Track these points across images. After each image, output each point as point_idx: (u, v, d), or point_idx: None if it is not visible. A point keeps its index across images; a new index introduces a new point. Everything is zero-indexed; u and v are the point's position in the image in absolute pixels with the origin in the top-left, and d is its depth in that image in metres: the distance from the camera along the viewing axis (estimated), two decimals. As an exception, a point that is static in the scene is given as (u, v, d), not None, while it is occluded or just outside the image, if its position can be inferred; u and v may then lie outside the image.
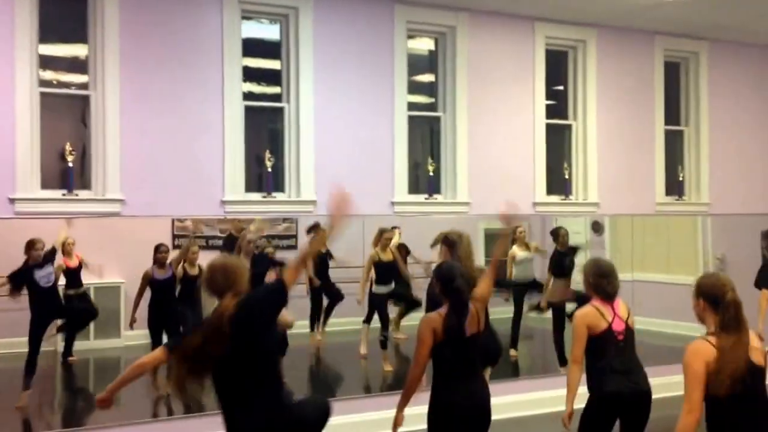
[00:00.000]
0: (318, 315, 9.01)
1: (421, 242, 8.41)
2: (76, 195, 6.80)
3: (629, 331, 5.35)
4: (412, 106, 8.29)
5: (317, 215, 7.85)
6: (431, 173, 8.38)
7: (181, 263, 7.84)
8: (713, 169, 9.86)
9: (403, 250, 9.12)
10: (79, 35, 6.99)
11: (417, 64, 8.51)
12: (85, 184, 6.94)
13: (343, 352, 9.21)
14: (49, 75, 6.91)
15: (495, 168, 8.57)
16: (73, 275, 7.77)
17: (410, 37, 8.32)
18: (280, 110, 7.75)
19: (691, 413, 4.01)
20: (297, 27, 7.68)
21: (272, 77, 7.82)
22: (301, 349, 8.72)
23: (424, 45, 8.65)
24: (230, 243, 7.94)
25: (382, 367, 8.67)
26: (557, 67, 9.20)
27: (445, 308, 4.93)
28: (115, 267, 7.89)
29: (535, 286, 9.51)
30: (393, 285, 8.91)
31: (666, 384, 6.36)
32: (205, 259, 7.24)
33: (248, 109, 7.55)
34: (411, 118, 8.26)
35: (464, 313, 4.92)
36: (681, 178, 9.79)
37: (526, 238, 9.49)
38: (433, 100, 8.61)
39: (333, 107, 7.81)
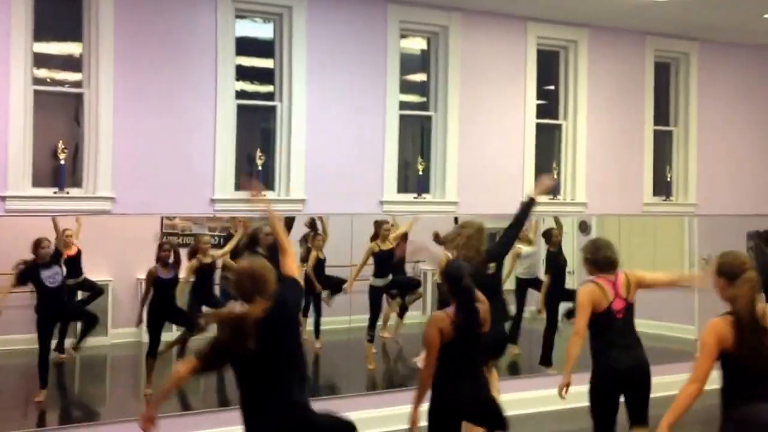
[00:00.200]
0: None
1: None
2: (67, 193, 6.82)
3: (629, 308, 5.49)
4: (403, 105, 8.31)
5: (306, 213, 7.93)
6: (420, 172, 8.42)
7: (195, 255, 7.90)
8: (701, 170, 9.91)
9: (403, 241, 9.11)
10: (73, 33, 6.99)
11: (409, 63, 8.54)
12: (77, 182, 6.96)
13: (334, 351, 9.14)
14: (43, 73, 6.90)
15: (484, 167, 8.61)
16: (72, 264, 7.74)
17: (403, 36, 8.33)
18: (272, 109, 7.78)
19: (693, 382, 4.26)
20: (291, 26, 7.70)
21: (265, 76, 7.83)
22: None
23: (416, 44, 8.67)
24: (254, 242, 7.91)
25: (365, 366, 8.72)
26: (548, 67, 9.23)
27: (452, 307, 5.04)
28: (103, 265, 7.92)
29: (537, 283, 9.52)
30: (390, 277, 8.94)
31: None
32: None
33: (240, 108, 7.57)
34: (402, 117, 8.28)
35: (473, 311, 5.01)
36: (669, 179, 9.83)
37: (529, 234, 9.50)
38: (424, 99, 8.64)
39: (325, 106, 7.83)
